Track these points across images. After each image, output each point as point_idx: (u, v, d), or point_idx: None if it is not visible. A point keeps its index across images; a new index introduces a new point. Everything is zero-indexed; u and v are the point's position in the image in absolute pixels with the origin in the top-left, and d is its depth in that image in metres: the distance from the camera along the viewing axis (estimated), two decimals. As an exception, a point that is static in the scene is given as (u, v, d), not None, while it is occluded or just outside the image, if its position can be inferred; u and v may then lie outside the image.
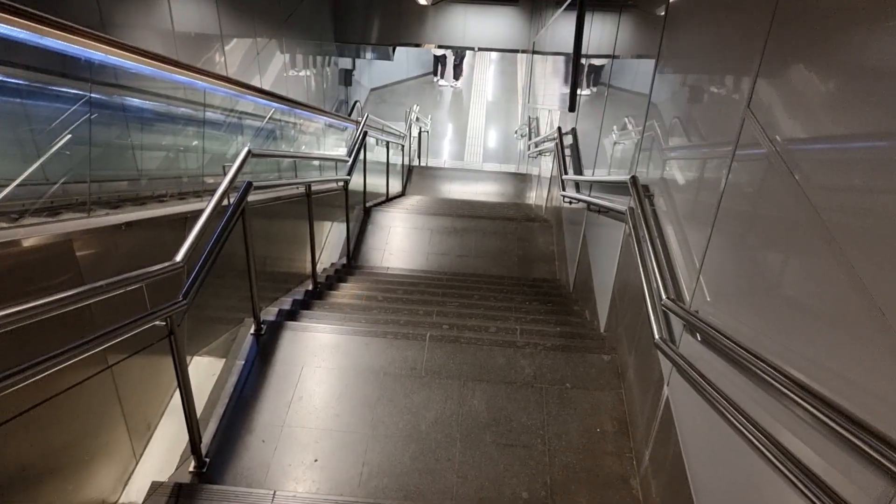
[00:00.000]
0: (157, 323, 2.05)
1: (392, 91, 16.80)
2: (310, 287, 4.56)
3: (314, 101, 10.59)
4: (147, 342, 2.70)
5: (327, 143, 7.78)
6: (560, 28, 7.60)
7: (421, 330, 3.54)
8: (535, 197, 8.30)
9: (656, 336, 2.20)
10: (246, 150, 3.02)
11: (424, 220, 6.55)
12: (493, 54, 19.43)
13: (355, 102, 13.83)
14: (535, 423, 2.87)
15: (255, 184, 3.14)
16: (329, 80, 12.18)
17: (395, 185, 9.14)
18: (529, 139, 9.19)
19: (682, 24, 2.73)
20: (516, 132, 13.29)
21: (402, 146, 9.12)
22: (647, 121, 3.14)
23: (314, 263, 4.51)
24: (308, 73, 10.21)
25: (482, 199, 9.65)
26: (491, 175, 11.21)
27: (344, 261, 5.81)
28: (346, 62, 13.51)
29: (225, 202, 3.00)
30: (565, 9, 7.11)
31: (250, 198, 3.05)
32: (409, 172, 10.30)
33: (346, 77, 13.21)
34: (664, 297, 2.24)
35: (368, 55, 13.80)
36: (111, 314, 2.22)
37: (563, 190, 5.43)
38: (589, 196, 4.54)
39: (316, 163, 6.41)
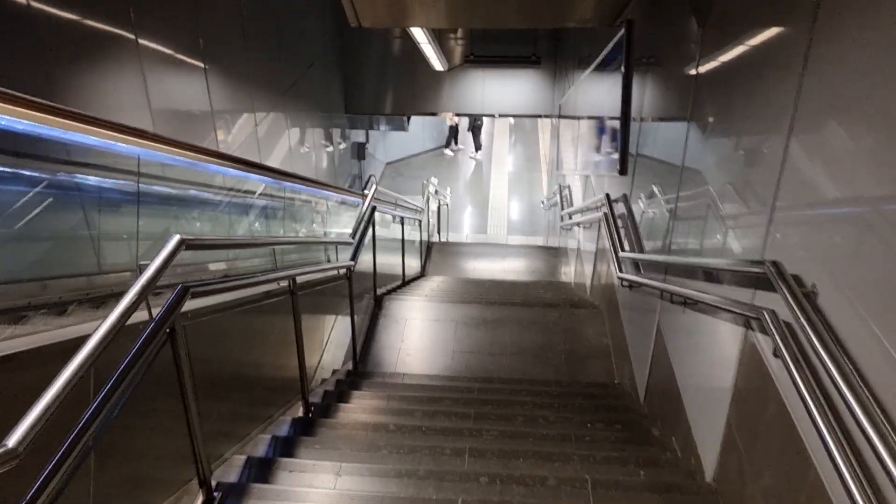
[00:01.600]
0: None
1: (408, 164, 16.08)
2: (300, 412, 3.44)
3: (324, 176, 9.75)
4: None
5: (341, 220, 6.85)
6: (593, 87, 6.73)
7: (449, 493, 2.40)
8: (575, 274, 7.20)
9: None
10: (176, 238, 1.98)
11: (447, 309, 5.46)
12: (512, 122, 18.81)
13: (370, 177, 12.97)
14: None
15: (198, 288, 2.10)
16: (341, 155, 11.41)
17: (413, 266, 8.12)
18: (562, 209, 8.18)
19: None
20: (543, 202, 12.33)
21: (420, 221, 8.15)
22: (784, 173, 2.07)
23: (304, 381, 3.40)
24: (317, 147, 9.41)
25: (511, 277, 8.57)
26: (518, 250, 10.17)
27: (350, 366, 4.70)
28: (359, 135, 12.79)
29: (142, 315, 1.97)
30: (597, 69, 6.23)
31: (202, 303, 2.02)
32: (428, 249, 9.30)
33: (359, 151, 12.45)
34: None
35: (382, 127, 13.10)
36: None
37: (620, 270, 4.34)
38: (664, 283, 3.44)
39: (323, 245, 5.43)
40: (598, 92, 5.96)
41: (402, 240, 6.73)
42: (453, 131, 16.73)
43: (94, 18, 3.74)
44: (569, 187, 8.44)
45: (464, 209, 14.12)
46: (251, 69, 6.41)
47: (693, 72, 3.09)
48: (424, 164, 16.18)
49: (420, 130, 16.22)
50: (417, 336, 5.08)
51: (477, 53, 10.51)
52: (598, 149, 5.87)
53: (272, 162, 7.11)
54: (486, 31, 10.52)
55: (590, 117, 6.54)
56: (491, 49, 10.54)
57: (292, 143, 7.96)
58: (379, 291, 5.90)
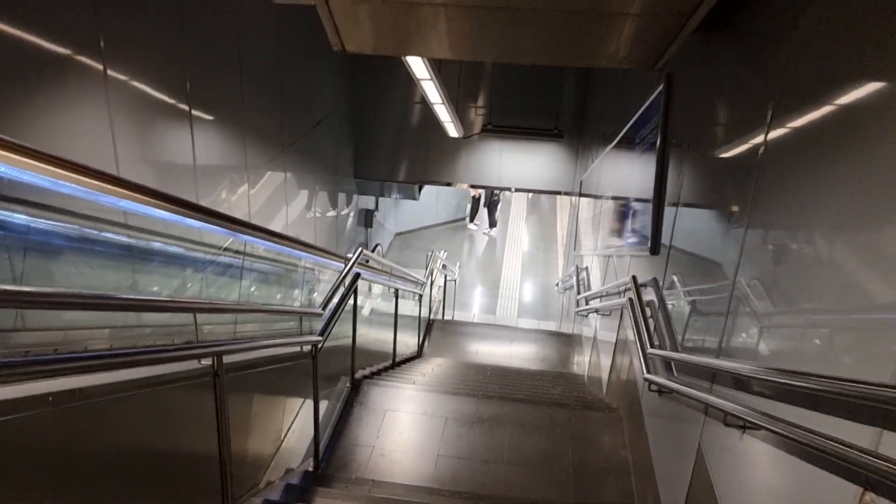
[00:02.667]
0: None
1: (419, 236, 15.45)
2: (220, 535, 2.58)
3: (324, 243, 9.09)
4: None
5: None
6: (621, 160, 6.09)
7: None
8: (589, 366, 6.33)
9: None
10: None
11: (438, 401, 4.60)
12: (529, 199, 18.28)
13: (376, 246, 12.39)
14: None
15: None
16: (347, 221, 10.80)
17: (409, 344, 7.29)
18: (578, 292, 7.38)
19: None
20: (557, 285, 11.54)
21: (420, 296, 7.37)
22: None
23: (225, 494, 2.55)
24: (320, 211, 8.80)
25: (517, 363, 7.69)
26: (528, 334, 9.30)
27: (310, 464, 3.83)
28: (368, 202, 12.24)
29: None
30: (626, 138, 5.61)
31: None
32: (429, 327, 8.48)
33: (367, 218, 11.86)
34: None
35: (394, 195, 12.53)
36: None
37: (647, 370, 3.51)
38: (709, 394, 2.60)
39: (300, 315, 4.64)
40: (626, 165, 5.29)
41: (395, 314, 5.94)
42: (477, 204, 16.16)
43: (51, 40, 3.15)
44: (586, 269, 7.68)
45: (473, 287, 13.35)
46: (248, 119, 5.83)
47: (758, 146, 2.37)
48: (436, 236, 15.56)
49: (434, 201, 15.68)
50: (397, 433, 4.20)
51: (496, 123, 10.01)
52: (623, 227, 5.14)
53: (264, 223, 6.46)
54: (506, 102, 10.06)
55: (614, 197, 5.85)
56: (511, 120, 10.04)
57: (291, 204, 7.33)
58: (361, 373, 5.07)
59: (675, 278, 3.54)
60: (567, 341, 8.59)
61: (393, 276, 6.31)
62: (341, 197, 10.15)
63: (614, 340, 5.12)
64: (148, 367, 2.06)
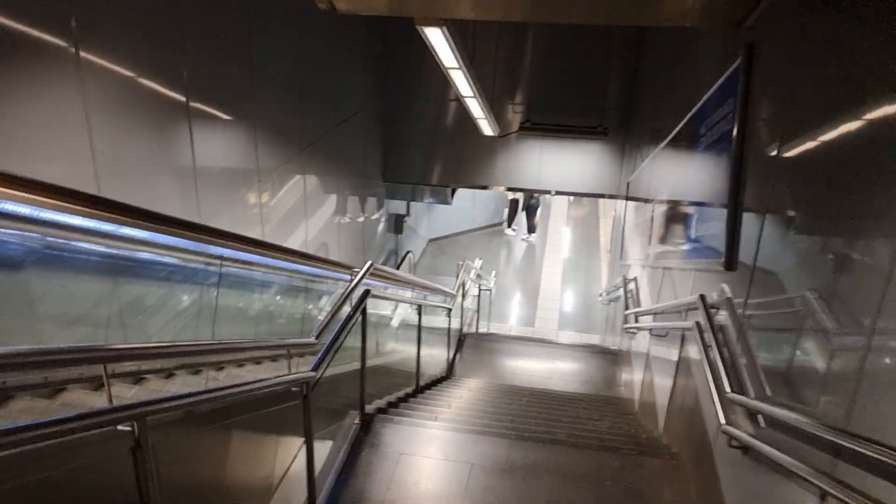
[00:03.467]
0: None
1: (454, 242, 14.77)
2: None
3: (349, 250, 8.49)
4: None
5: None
6: (681, 156, 5.30)
7: None
8: (641, 390, 5.52)
9: None
10: None
11: (464, 442, 3.88)
12: (571, 202, 17.43)
13: (407, 253, 11.75)
14: None
15: None
16: (376, 227, 10.18)
17: (436, 364, 6.59)
18: (626, 307, 6.58)
19: None
20: (601, 295, 10.70)
21: (450, 310, 6.67)
22: None
23: None
24: (346, 216, 8.19)
25: (558, 383, 6.93)
26: (569, 351, 8.51)
27: (304, 526, 3.15)
28: (398, 206, 11.60)
29: None
30: (688, 129, 4.82)
31: None
32: (460, 342, 7.76)
33: (397, 223, 11.22)
34: None
35: (427, 199, 11.86)
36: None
37: (726, 420, 2.74)
38: (833, 482, 1.83)
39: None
40: (686, 163, 4.51)
41: (419, 335, 5.24)
42: (515, 207, 15.37)
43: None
44: (635, 281, 6.87)
45: (511, 296, 12.59)
46: (259, 115, 5.23)
47: None
48: (472, 243, 14.84)
49: (469, 206, 14.97)
50: (412, 484, 3.50)
51: (535, 121, 9.25)
52: (683, 235, 4.35)
53: (281, 232, 5.86)
54: (546, 98, 9.29)
55: (670, 201, 5.05)
56: (551, 118, 9.28)
57: (311, 209, 6.73)
58: (376, 404, 4.39)
59: (764, 298, 2.76)
60: (613, 359, 7.78)
61: (417, 288, 5.63)
62: (370, 201, 9.53)
63: (674, 360, 4.33)
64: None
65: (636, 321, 6.14)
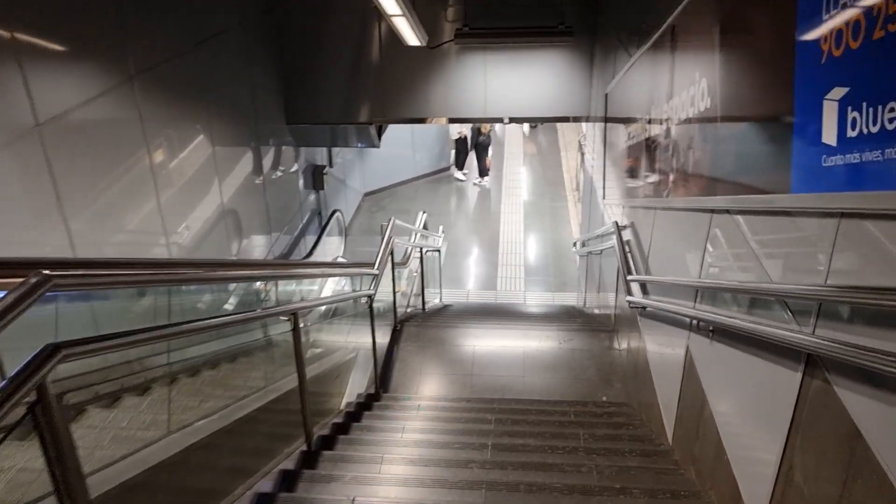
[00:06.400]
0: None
1: (394, 194, 12.57)
2: None
3: (248, 221, 6.30)
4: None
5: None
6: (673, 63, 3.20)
7: None
8: (675, 414, 3.49)
9: None
10: None
11: None
12: (526, 130, 15.32)
13: (333, 213, 9.51)
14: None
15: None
16: (287, 186, 7.93)
17: (353, 382, 4.50)
18: (627, 270, 4.51)
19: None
20: (575, 245, 8.68)
21: (371, 299, 4.52)
22: None
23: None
24: (232, 177, 5.95)
25: (537, 383, 4.94)
26: (544, 323, 6.51)
27: None
28: (319, 155, 9.31)
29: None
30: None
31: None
32: (396, 334, 5.64)
33: (316, 178, 8.93)
34: None
35: (353, 143, 9.56)
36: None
37: None
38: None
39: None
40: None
41: (300, 362, 3.05)
42: (462, 146, 13.15)
43: None
44: (632, 227, 4.84)
45: (466, 254, 10.52)
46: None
47: None
48: (416, 193, 12.66)
49: (410, 150, 12.71)
50: None
51: (475, 26, 6.99)
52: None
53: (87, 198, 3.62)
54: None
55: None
56: (497, 20, 7.03)
57: (164, 167, 4.48)
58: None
59: None
60: (601, 323, 5.83)
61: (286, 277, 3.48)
62: (271, 152, 7.23)
63: (689, 319, 2.34)
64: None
65: (645, 292, 4.13)
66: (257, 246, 6.69)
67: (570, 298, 8.83)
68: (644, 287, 4.17)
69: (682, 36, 3.39)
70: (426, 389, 4.87)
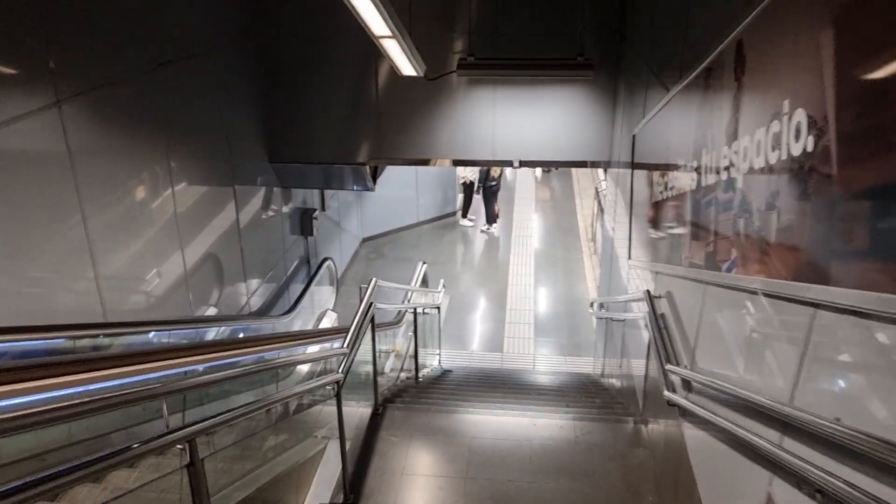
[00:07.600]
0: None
1: (394, 240, 11.69)
2: None
3: (228, 273, 5.44)
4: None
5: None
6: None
7: None
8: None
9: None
10: None
11: None
12: (538, 175, 14.52)
13: (324, 262, 8.61)
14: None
15: None
16: (270, 232, 7.07)
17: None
18: (664, 358, 3.54)
19: None
20: (592, 306, 7.70)
21: (338, 387, 3.55)
22: None
23: None
24: (203, 221, 5.12)
25: (547, 486, 3.92)
26: (553, 397, 5.52)
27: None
28: (309, 198, 8.48)
29: None
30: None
31: None
32: (378, 415, 4.66)
33: (304, 222, 8.06)
34: None
35: (350, 185, 8.70)
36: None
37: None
38: None
39: None
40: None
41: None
42: (470, 192, 12.36)
43: None
44: (668, 298, 3.88)
45: (471, 309, 9.57)
46: None
47: None
48: (418, 240, 11.78)
49: (413, 193, 11.89)
50: None
51: (481, 56, 6.18)
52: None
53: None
54: (497, 22, 6.24)
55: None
56: (506, 50, 6.23)
57: (104, 208, 3.62)
58: None
59: None
60: (628, 408, 4.82)
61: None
62: (244, 194, 6.38)
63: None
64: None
65: (688, 389, 3.16)
66: (227, 300, 5.78)
67: (586, 364, 7.82)
68: (688, 384, 3.20)
69: (755, 52, 2.49)
70: (408, 498, 3.86)
